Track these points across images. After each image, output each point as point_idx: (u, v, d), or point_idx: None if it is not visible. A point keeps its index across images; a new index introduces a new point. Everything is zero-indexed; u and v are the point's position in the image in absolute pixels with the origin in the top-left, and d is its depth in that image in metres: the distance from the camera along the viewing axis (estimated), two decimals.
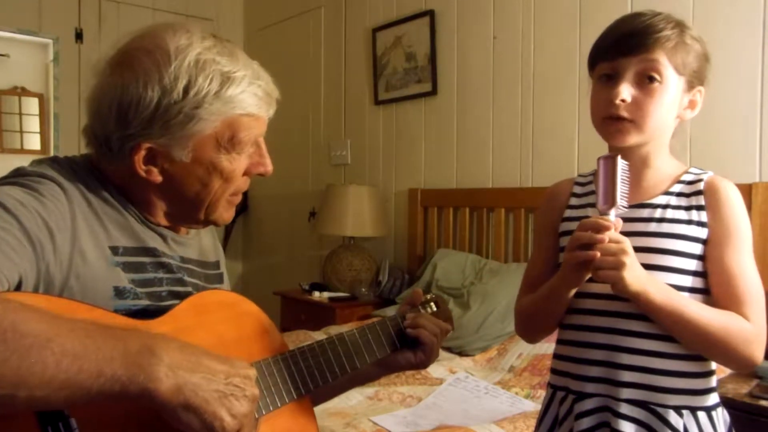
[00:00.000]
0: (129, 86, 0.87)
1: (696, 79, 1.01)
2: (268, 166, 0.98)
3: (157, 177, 0.91)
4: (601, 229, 0.92)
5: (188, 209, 0.96)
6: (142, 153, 0.89)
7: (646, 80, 0.97)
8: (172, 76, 0.87)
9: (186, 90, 0.87)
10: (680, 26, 0.99)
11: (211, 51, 0.90)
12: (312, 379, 0.99)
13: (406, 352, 1.14)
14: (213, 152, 0.91)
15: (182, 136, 0.89)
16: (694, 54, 1.00)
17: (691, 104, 1.03)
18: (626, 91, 0.97)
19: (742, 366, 0.99)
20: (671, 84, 0.98)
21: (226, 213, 0.99)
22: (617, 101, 0.97)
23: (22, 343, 0.62)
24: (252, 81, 0.92)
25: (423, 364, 1.16)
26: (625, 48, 0.98)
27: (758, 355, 0.95)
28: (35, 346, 0.63)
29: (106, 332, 0.68)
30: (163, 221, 0.97)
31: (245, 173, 0.97)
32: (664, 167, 1.05)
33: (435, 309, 1.24)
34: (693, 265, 0.98)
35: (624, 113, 0.97)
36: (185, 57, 0.87)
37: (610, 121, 0.99)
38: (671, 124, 1.02)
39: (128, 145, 0.88)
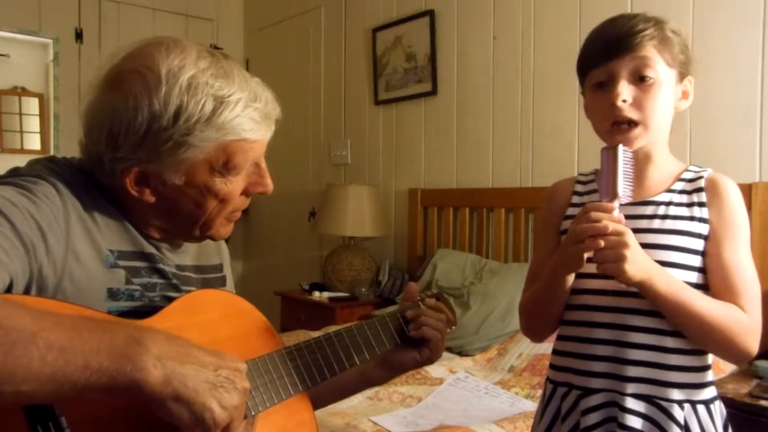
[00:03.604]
0: (119, 109, 0.84)
1: (685, 69, 1.04)
2: (268, 186, 0.96)
3: (150, 197, 0.89)
4: (602, 217, 0.92)
5: (183, 226, 0.94)
6: (133, 176, 0.87)
7: (640, 79, 0.99)
8: (162, 102, 0.83)
9: (176, 116, 0.84)
10: (659, 22, 1.01)
11: (205, 73, 0.86)
12: (309, 375, 0.97)
13: (410, 351, 1.12)
14: (206, 176, 0.89)
15: (173, 161, 0.86)
16: (678, 46, 1.02)
17: (684, 95, 1.05)
18: (626, 91, 0.98)
19: (738, 357, 1.00)
20: (665, 78, 1.00)
21: (223, 229, 0.97)
22: (619, 102, 0.98)
23: (8, 338, 0.62)
24: (248, 104, 0.88)
25: (429, 361, 1.13)
26: (614, 51, 0.99)
27: (753, 347, 0.97)
28: (20, 341, 0.62)
29: (92, 325, 0.67)
30: (156, 234, 0.95)
31: (243, 192, 0.95)
32: (666, 164, 1.06)
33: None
34: (696, 261, 1.00)
35: (629, 114, 0.98)
36: (177, 80, 0.84)
37: (618, 128, 1.00)
38: (670, 117, 1.04)
39: (119, 167, 0.87)
